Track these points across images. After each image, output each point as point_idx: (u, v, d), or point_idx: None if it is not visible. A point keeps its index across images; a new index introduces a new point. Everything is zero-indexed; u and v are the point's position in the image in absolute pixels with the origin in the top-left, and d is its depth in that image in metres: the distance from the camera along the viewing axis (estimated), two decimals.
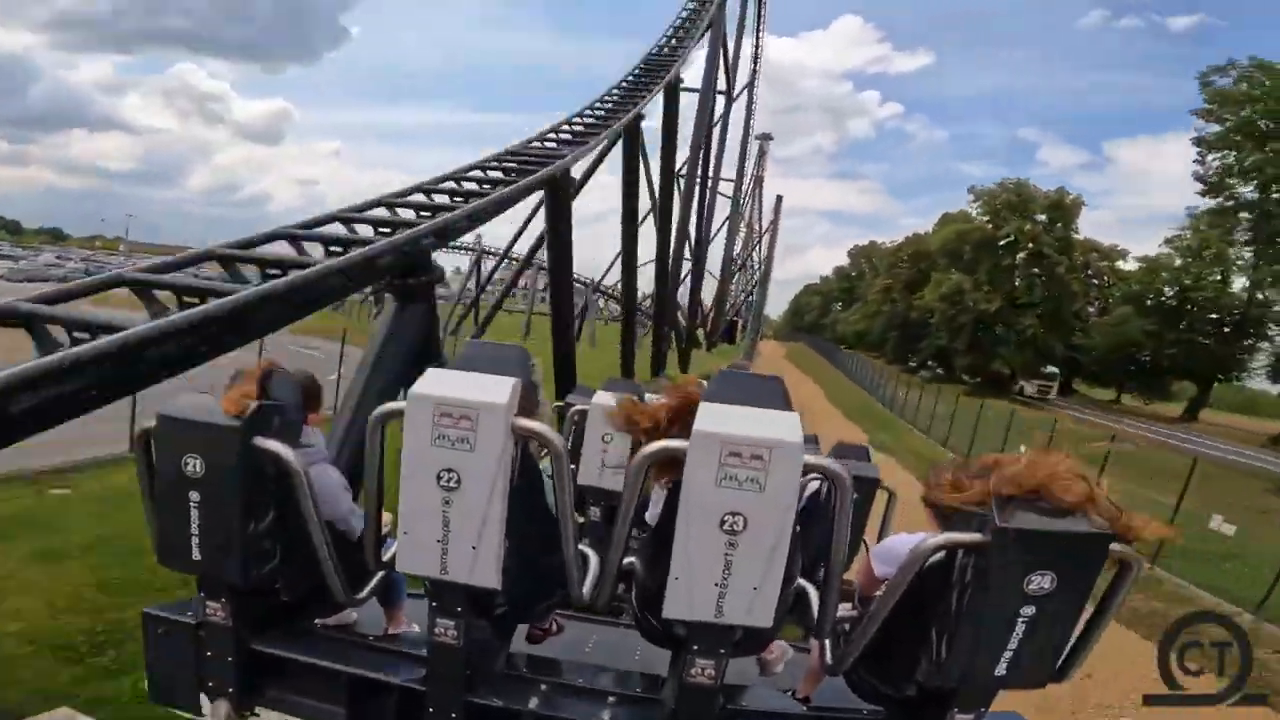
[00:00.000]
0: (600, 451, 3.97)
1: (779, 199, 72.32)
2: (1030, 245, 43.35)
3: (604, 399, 4.05)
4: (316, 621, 2.38)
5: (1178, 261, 38.31)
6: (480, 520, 1.67)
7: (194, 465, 1.78)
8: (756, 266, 73.17)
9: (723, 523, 1.56)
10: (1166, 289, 39.05)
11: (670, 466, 1.66)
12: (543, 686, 2.11)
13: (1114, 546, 1.59)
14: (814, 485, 2.87)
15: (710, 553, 1.58)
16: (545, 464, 1.98)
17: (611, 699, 2.08)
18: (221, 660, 2.03)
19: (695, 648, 1.76)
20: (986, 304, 43.10)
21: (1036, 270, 43.52)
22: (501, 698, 2.01)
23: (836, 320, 79.32)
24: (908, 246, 57.06)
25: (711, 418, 1.59)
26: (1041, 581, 1.54)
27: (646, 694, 2.11)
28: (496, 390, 1.66)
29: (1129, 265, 43.75)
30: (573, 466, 3.97)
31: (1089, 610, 1.73)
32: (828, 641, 2.16)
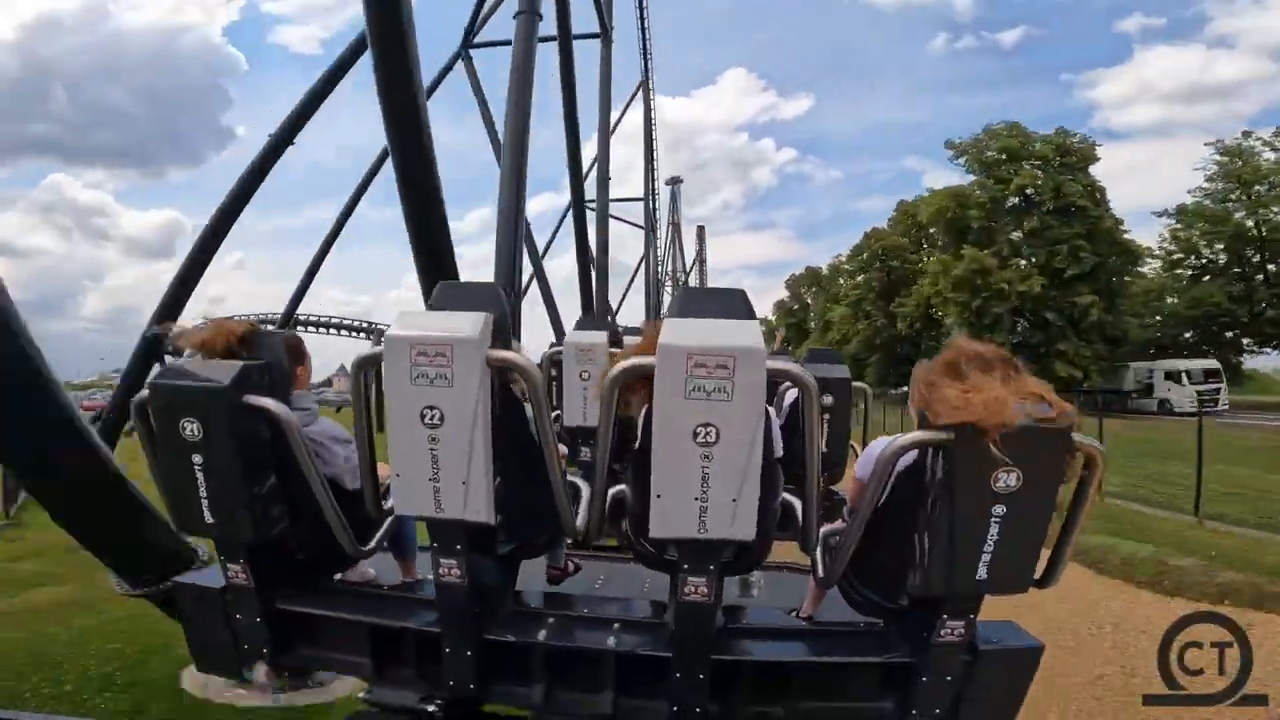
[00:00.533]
0: (581, 389, 4.01)
1: (700, 229, 67.19)
2: (1055, 198, 32.12)
3: (577, 338, 4.14)
4: (336, 577, 2.46)
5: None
6: (467, 455, 1.72)
7: (192, 428, 1.83)
8: None
9: (695, 435, 1.59)
10: (1213, 245, 30.96)
11: (643, 387, 1.70)
12: (551, 620, 2.18)
13: (1075, 437, 1.61)
14: (793, 395, 2.91)
15: (687, 467, 1.62)
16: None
17: (617, 625, 2.14)
18: (250, 621, 2.12)
19: (686, 567, 1.80)
20: (1024, 285, 31.67)
21: (1075, 230, 31.52)
22: (512, 632, 2.08)
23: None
24: (868, 245, 45.57)
25: (675, 331, 1.63)
26: (1008, 479, 1.56)
27: (650, 619, 2.19)
28: (469, 324, 1.71)
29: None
30: (557, 411, 4.11)
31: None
32: (819, 556, 2.20)
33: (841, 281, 50.34)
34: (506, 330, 1.86)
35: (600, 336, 4.16)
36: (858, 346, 41.85)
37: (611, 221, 18.13)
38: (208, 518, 1.92)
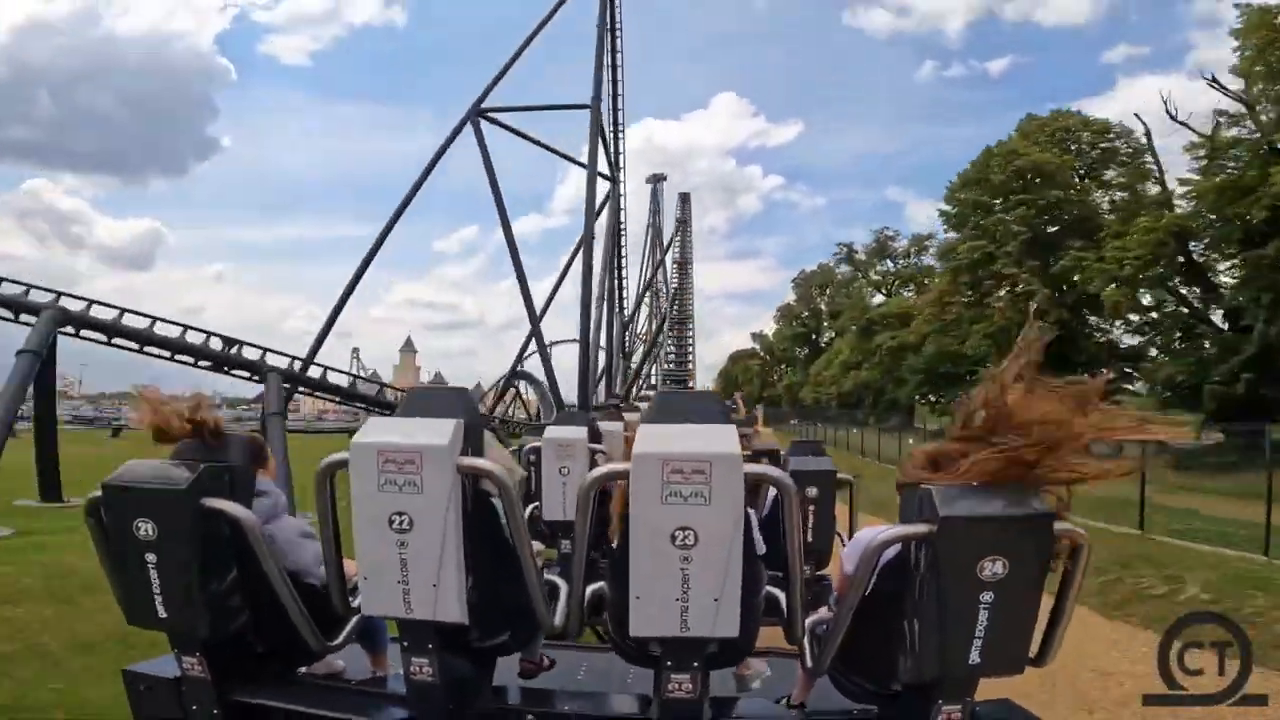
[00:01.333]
0: (560, 485, 4.02)
1: (685, 196, 63.92)
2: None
3: (556, 434, 4.17)
4: (301, 670, 2.40)
5: None
6: (437, 558, 1.69)
7: (146, 529, 1.79)
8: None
9: (674, 538, 1.58)
10: None
11: (622, 490, 1.70)
12: (529, 717, 2.13)
13: (1058, 526, 1.61)
14: (775, 493, 2.85)
15: (666, 569, 1.61)
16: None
17: None
18: (206, 714, 2.04)
19: (669, 664, 1.78)
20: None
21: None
22: None
23: (798, 383, 59.65)
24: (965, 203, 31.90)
25: (649, 439, 1.64)
26: (994, 568, 1.56)
27: (635, 715, 2.14)
28: (438, 431, 1.69)
29: None
30: (536, 505, 4.09)
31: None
32: (807, 644, 2.17)
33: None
34: (478, 434, 1.85)
35: (580, 432, 4.18)
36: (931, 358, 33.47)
37: None
38: (160, 613, 1.86)
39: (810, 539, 4.06)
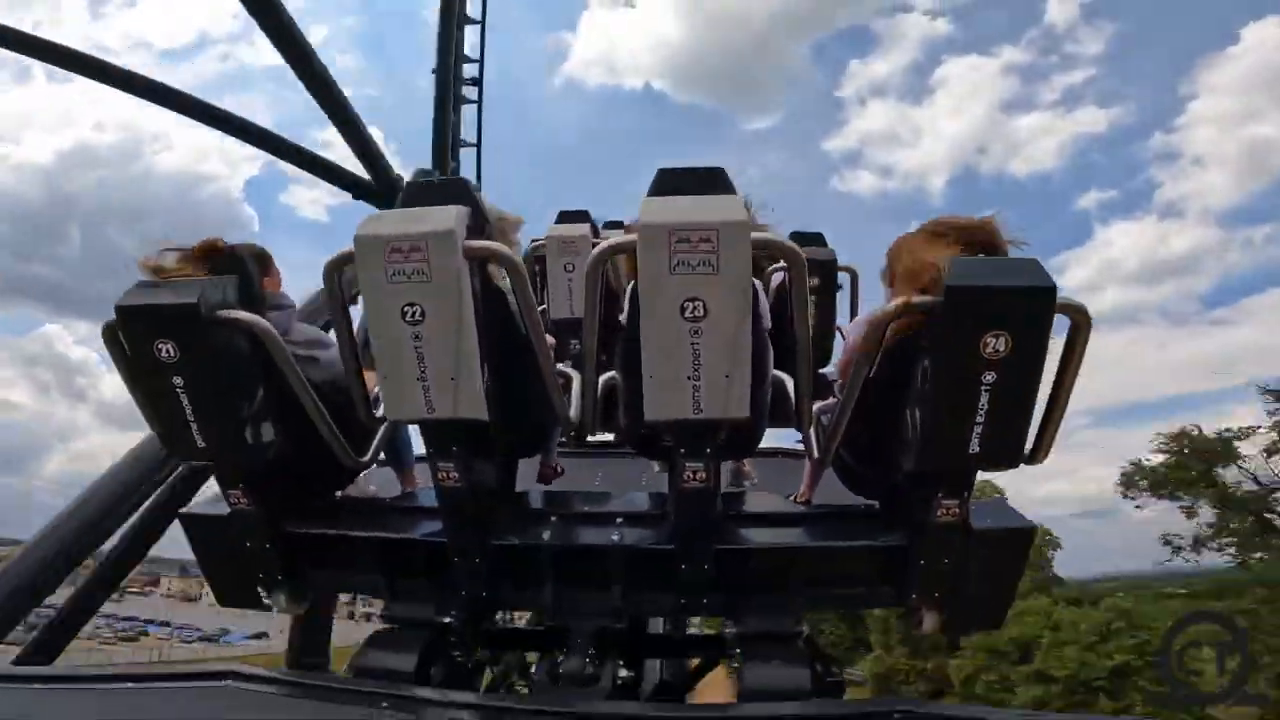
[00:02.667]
0: (566, 281, 3.95)
1: None
2: None
3: (559, 230, 4.07)
4: (337, 494, 2.44)
5: None
6: (454, 350, 1.68)
7: (166, 350, 1.73)
8: None
9: (683, 310, 1.56)
10: None
11: (629, 269, 1.67)
12: (554, 519, 2.18)
13: (1060, 300, 1.57)
14: (779, 279, 2.84)
15: (676, 344, 1.59)
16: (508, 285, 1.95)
17: (619, 520, 2.14)
18: (260, 548, 2.09)
19: (683, 451, 1.78)
20: None
21: None
22: (517, 535, 2.08)
23: None
24: None
25: (655, 210, 1.60)
26: (996, 344, 1.53)
27: (652, 511, 2.19)
28: (441, 218, 1.66)
29: None
30: (543, 306, 3.96)
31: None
32: (813, 433, 2.18)
33: None
34: (482, 220, 1.81)
35: (583, 229, 4.09)
36: None
37: None
38: (199, 442, 1.83)
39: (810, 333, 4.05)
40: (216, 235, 1.99)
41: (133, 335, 1.79)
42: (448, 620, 2.10)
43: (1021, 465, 1.76)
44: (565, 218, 4.34)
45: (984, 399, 1.58)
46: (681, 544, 1.94)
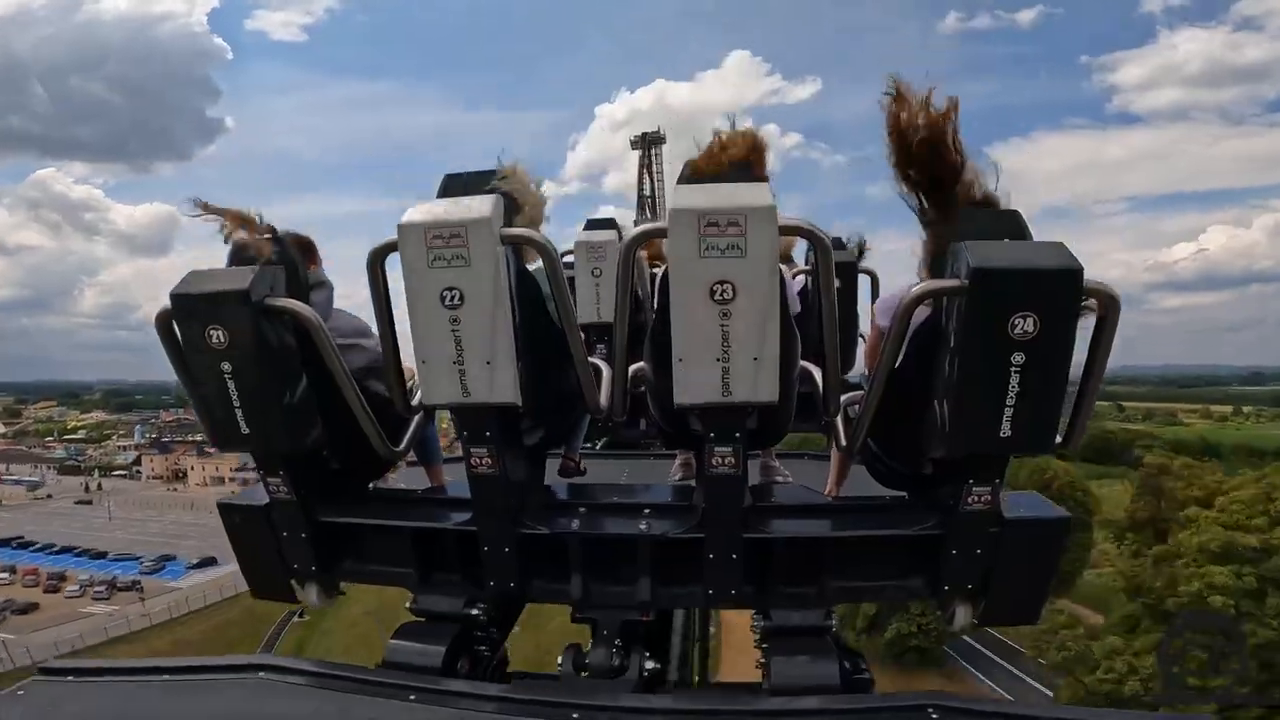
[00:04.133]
0: (594, 286, 4.04)
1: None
2: None
3: (587, 236, 4.18)
4: (371, 486, 2.49)
5: None
6: (490, 334, 1.75)
7: (217, 336, 1.80)
8: None
9: (713, 293, 1.60)
10: None
11: (660, 257, 1.72)
12: (582, 509, 2.21)
13: (1088, 282, 1.57)
14: (801, 282, 2.86)
15: (706, 326, 1.63)
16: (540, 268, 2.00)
17: (647, 511, 2.15)
18: (296, 538, 2.14)
19: (712, 435, 1.81)
20: None
21: None
22: (546, 524, 2.11)
23: None
24: None
25: (685, 196, 1.66)
26: (1025, 325, 1.54)
27: (679, 502, 2.21)
28: (479, 206, 1.74)
29: None
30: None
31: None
32: (840, 424, 2.20)
33: None
34: (515, 210, 1.88)
35: (610, 234, 4.19)
36: None
37: None
38: (244, 428, 1.90)
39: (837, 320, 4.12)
40: (248, 208, 2.06)
41: (185, 321, 1.86)
42: (476, 613, 2.14)
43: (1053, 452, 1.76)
44: (592, 225, 4.45)
45: (1014, 380, 1.59)
46: (710, 532, 1.95)
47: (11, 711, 1.72)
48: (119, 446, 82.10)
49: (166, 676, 1.84)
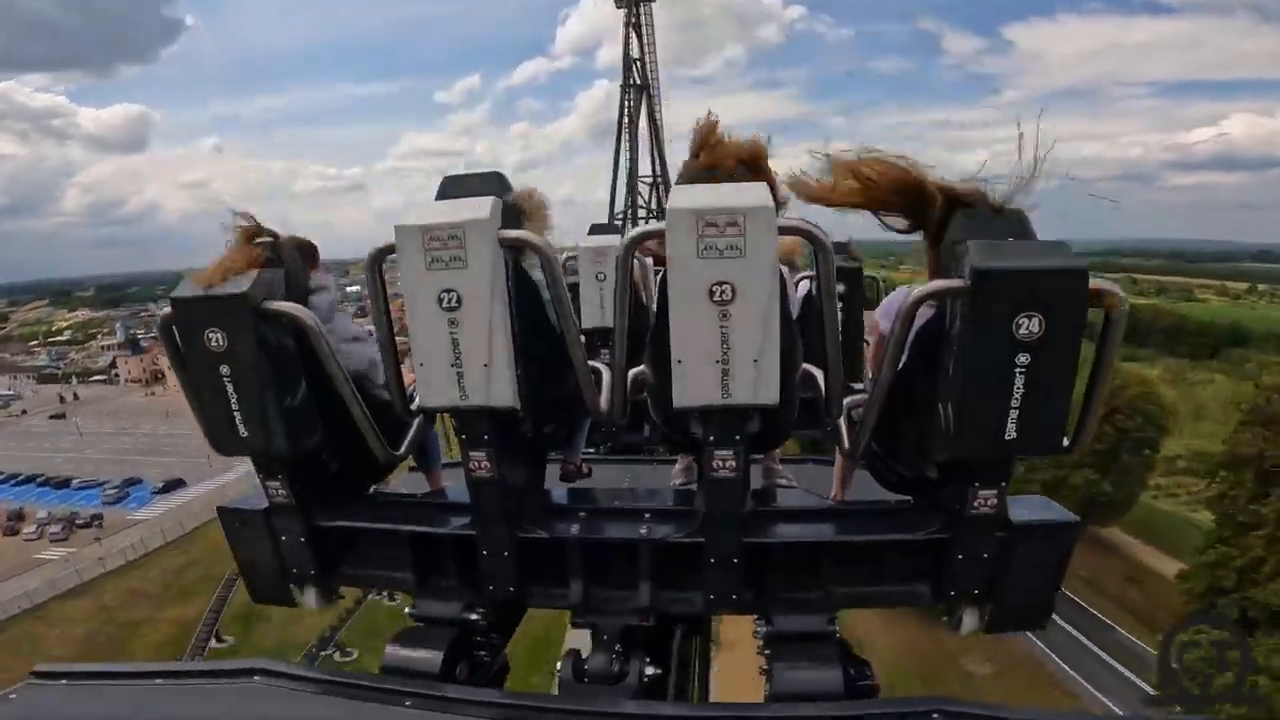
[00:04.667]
0: (598, 290, 4.08)
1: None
2: None
3: (591, 241, 4.20)
4: (371, 490, 2.49)
5: None
6: (487, 336, 1.74)
7: (217, 339, 1.81)
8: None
9: (712, 294, 1.59)
10: None
11: (659, 251, 1.68)
12: (582, 514, 2.20)
13: (1093, 283, 1.56)
14: (805, 287, 2.93)
15: (705, 327, 1.62)
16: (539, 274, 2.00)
17: (648, 515, 2.14)
18: (295, 542, 2.15)
19: (712, 439, 1.80)
20: None
21: None
22: (545, 529, 2.10)
23: None
24: None
25: (683, 196, 1.64)
26: (1030, 325, 1.53)
27: (680, 506, 2.19)
28: (478, 207, 1.73)
29: None
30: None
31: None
32: (844, 426, 2.17)
33: None
34: (516, 212, 1.85)
35: (613, 239, 4.21)
36: None
37: None
38: (242, 431, 1.90)
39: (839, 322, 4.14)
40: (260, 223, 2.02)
41: (185, 325, 1.86)
42: (475, 618, 2.11)
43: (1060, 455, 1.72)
44: (596, 230, 4.50)
45: (1019, 382, 1.57)
46: (710, 536, 1.94)
47: (4, 716, 1.72)
48: (102, 347, 79.18)
49: (160, 681, 1.84)
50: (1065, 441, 1.73)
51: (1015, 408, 1.58)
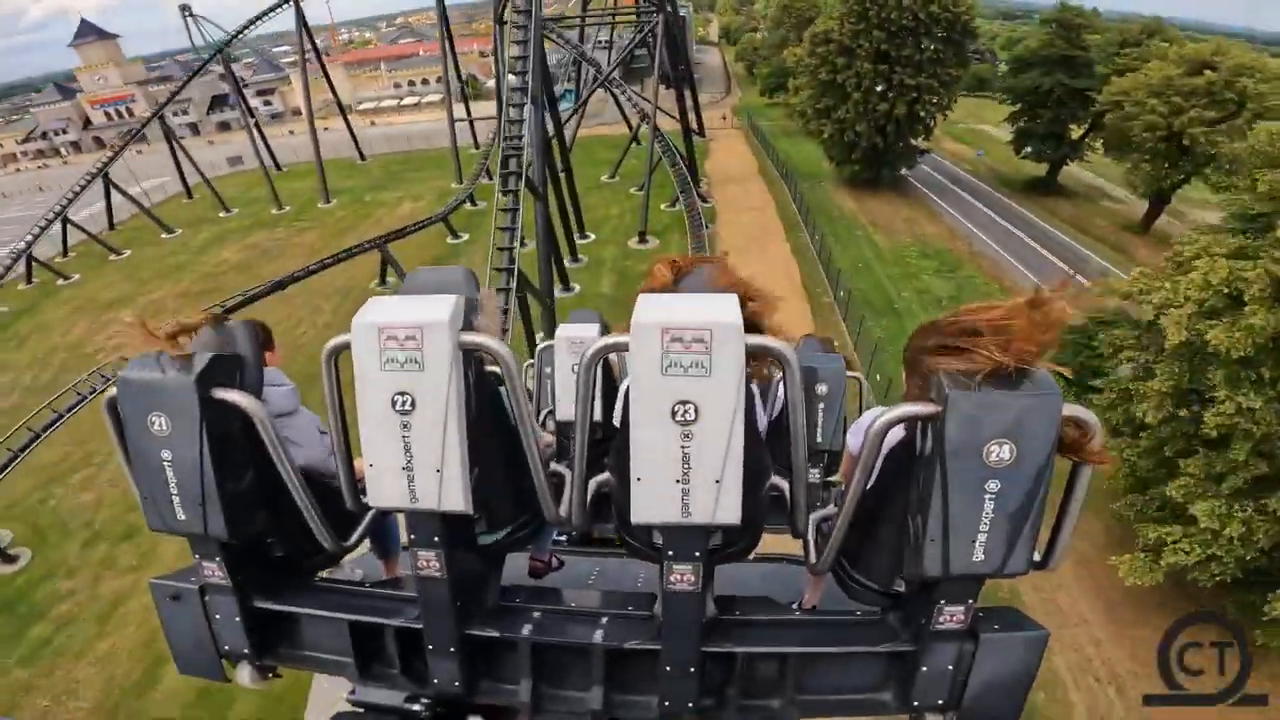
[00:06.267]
0: (574, 382, 4.05)
1: None
2: None
3: (569, 331, 4.13)
4: (320, 575, 2.44)
5: None
6: (440, 441, 1.68)
7: (160, 423, 1.80)
8: None
9: (674, 413, 1.55)
10: None
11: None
12: (536, 614, 2.13)
13: (1066, 408, 1.54)
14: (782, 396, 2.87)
15: (666, 447, 1.57)
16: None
17: (604, 619, 2.09)
18: (230, 621, 2.07)
19: (671, 553, 1.76)
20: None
21: None
22: (496, 628, 2.03)
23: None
24: None
25: (649, 308, 1.60)
26: (1001, 452, 1.51)
27: (639, 612, 2.13)
28: (439, 308, 1.67)
29: None
30: (550, 408, 4.08)
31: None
32: (811, 540, 2.14)
33: None
34: (477, 314, 1.83)
35: (592, 329, 4.13)
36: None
37: None
38: (179, 514, 1.86)
39: (819, 439, 3.91)
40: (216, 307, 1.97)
41: (129, 406, 1.83)
42: (417, 709, 2.06)
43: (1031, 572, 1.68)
44: (577, 319, 4.41)
45: (988, 507, 1.55)
46: (667, 645, 1.89)
47: None
48: None
49: None
50: (1037, 557, 1.69)
51: (984, 531, 1.57)
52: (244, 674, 2.14)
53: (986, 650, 1.82)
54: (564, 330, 4.16)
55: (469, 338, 1.69)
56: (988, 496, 1.54)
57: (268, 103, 76.05)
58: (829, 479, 3.82)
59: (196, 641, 2.15)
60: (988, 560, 1.60)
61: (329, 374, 1.82)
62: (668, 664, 1.89)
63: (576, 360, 3.96)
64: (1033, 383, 1.55)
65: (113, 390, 1.88)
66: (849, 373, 4.00)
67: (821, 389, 3.71)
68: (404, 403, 1.66)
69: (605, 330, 4.37)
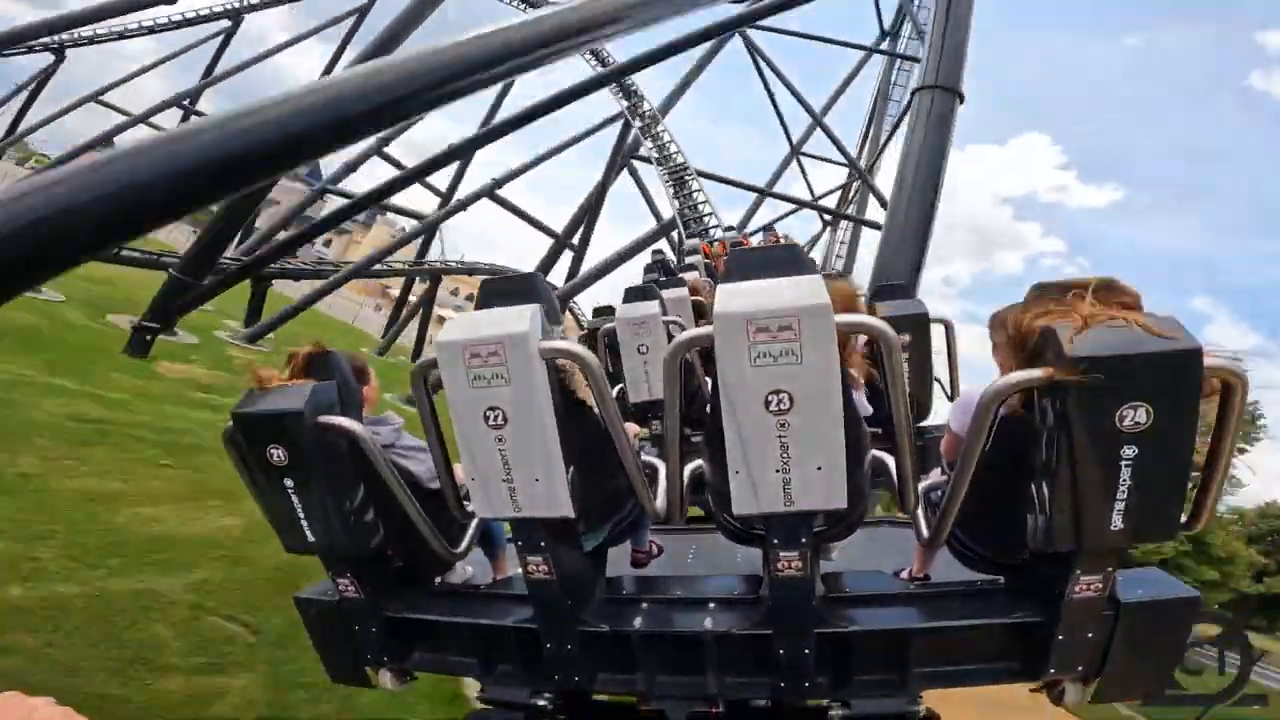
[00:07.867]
0: (642, 363, 3.92)
1: None
2: None
3: (628, 312, 4.01)
4: (437, 580, 2.55)
5: None
6: (536, 451, 1.71)
7: (277, 454, 1.91)
8: None
9: (768, 404, 1.49)
10: None
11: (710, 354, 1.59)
12: (644, 605, 2.16)
13: (1209, 362, 1.37)
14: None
15: (763, 439, 1.53)
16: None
17: (712, 605, 2.08)
18: (367, 631, 2.22)
19: (776, 541, 1.72)
20: None
21: None
22: (607, 622, 2.07)
23: None
24: None
25: (729, 298, 1.54)
26: (1136, 415, 1.36)
27: (745, 595, 2.13)
28: (517, 319, 1.69)
29: None
30: (621, 385, 4.00)
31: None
32: (921, 514, 2.06)
33: None
34: (556, 315, 1.84)
35: (652, 307, 4.04)
36: None
37: None
38: (309, 536, 1.99)
39: (908, 389, 3.90)
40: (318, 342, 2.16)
41: (247, 439, 1.95)
42: (542, 703, 2.14)
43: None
44: (631, 295, 4.27)
45: (1125, 474, 1.41)
46: (778, 629, 1.87)
47: None
48: None
49: None
50: (1183, 518, 1.55)
51: (1121, 499, 1.44)
52: (385, 678, 2.29)
53: (1129, 616, 1.71)
54: (624, 310, 4.07)
55: (549, 344, 1.69)
56: (1124, 463, 1.41)
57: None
58: (919, 424, 3.67)
59: (342, 651, 2.30)
60: (1128, 528, 1.47)
61: (419, 392, 1.88)
62: (780, 648, 1.86)
63: (641, 340, 3.92)
64: (1168, 334, 1.38)
65: (229, 424, 1.98)
66: (934, 317, 3.85)
67: (905, 338, 3.43)
68: (496, 417, 1.69)
69: (664, 305, 4.22)
